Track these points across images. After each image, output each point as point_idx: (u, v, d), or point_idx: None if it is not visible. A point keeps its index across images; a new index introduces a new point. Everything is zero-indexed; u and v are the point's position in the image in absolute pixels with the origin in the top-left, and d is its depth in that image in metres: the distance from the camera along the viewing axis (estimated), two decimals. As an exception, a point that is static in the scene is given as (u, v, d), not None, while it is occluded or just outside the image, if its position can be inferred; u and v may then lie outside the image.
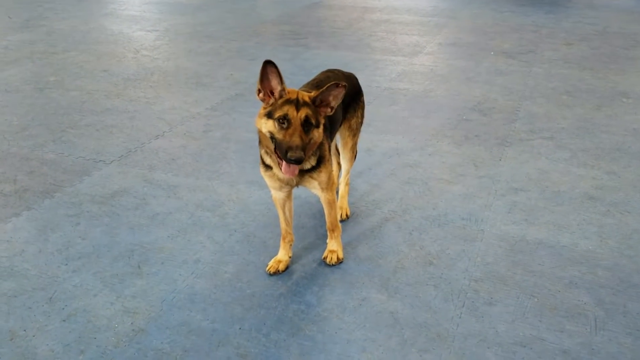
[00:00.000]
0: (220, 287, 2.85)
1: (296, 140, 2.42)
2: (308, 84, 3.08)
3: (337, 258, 3.00)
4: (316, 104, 2.55)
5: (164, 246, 3.18)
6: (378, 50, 7.35)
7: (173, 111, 5.18)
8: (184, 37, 7.94)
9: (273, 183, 2.78)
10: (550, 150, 4.38)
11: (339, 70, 3.31)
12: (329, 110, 2.59)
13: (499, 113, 5.15)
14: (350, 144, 3.32)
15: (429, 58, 7.03)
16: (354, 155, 3.40)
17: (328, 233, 3.04)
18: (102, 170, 4.03)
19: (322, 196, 2.86)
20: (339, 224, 3.04)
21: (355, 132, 3.32)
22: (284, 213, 2.93)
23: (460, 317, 2.62)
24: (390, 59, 6.94)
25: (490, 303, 2.72)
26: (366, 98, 5.35)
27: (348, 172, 3.45)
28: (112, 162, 4.16)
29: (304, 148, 2.44)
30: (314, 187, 2.79)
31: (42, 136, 4.61)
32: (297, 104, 2.48)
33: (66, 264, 3.01)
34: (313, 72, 6.44)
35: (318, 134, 2.56)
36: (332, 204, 2.91)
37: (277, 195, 2.87)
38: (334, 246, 3.03)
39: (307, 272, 2.96)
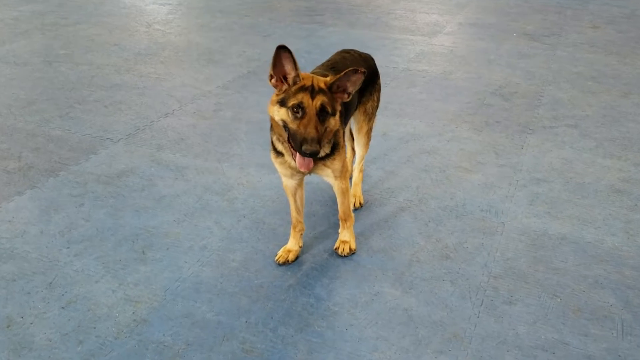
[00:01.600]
0: (227, 277, 2.73)
1: (312, 132, 2.26)
2: (322, 65, 2.91)
3: (350, 249, 2.87)
4: (332, 90, 2.38)
5: (169, 231, 3.06)
6: (396, 29, 7.12)
7: (183, 88, 5.04)
8: (196, 12, 7.75)
9: (284, 170, 2.63)
10: (575, 139, 4.19)
11: (355, 51, 3.13)
12: (346, 96, 2.42)
13: (521, 98, 4.94)
14: (365, 129, 3.16)
15: (449, 38, 6.80)
16: (369, 140, 3.24)
17: (340, 223, 2.90)
18: (108, 149, 3.91)
19: (336, 184, 2.72)
20: (352, 214, 2.90)
21: (370, 117, 3.16)
22: (295, 201, 2.79)
23: (478, 317, 2.49)
24: (409, 39, 6.72)
25: (510, 302, 2.58)
26: (383, 79, 5.18)
27: (362, 159, 3.30)
28: (119, 140, 4.04)
29: (319, 140, 2.28)
30: (327, 175, 2.65)
31: (49, 111, 4.49)
32: (313, 91, 2.31)
33: (68, 247, 2.91)
34: (329, 50, 6.25)
35: (334, 121, 2.40)
36: (345, 192, 2.77)
37: (288, 182, 2.73)
38: (346, 236, 2.89)
39: (317, 263, 2.83)
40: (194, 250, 2.91)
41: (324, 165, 2.57)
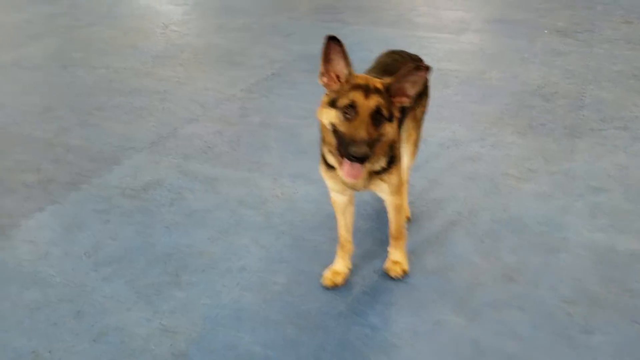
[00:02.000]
0: (270, 302, 2.49)
1: (362, 133, 2.00)
2: (372, 69, 2.66)
3: (402, 271, 2.62)
4: (391, 93, 2.13)
5: (204, 250, 2.83)
6: (421, 27, 6.85)
7: (206, 92, 4.80)
8: (213, 12, 7.52)
9: (335, 185, 2.38)
10: (627, 142, 3.91)
11: (404, 52, 2.89)
12: (406, 100, 2.17)
13: (562, 98, 4.67)
14: (414, 137, 2.91)
15: (477, 36, 6.53)
16: (417, 149, 2.99)
17: (391, 241, 2.65)
18: (132, 159, 3.68)
19: (390, 200, 2.47)
20: (405, 232, 2.65)
21: (420, 124, 2.92)
22: (345, 219, 2.54)
23: (554, 349, 2.23)
24: (436, 37, 6.45)
25: (587, 331, 2.32)
26: (414, 80, 4.91)
27: (409, 169, 3.05)
28: (142, 149, 3.80)
29: (370, 144, 2.02)
30: (382, 191, 2.40)
31: (67, 119, 4.27)
32: (367, 90, 2.06)
33: (95, 270, 2.68)
34: (355, 49, 5.94)
35: (392, 129, 2.14)
36: (399, 209, 2.52)
37: (338, 198, 2.48)
38: (398, 257, 2.64)
39: (367, 286, 2.59)
40: (232, 272, 2.67)
41: (380, 179, 2.32)
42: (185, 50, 5.90)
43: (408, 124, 2.85)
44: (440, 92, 4.84)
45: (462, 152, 3.79)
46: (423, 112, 2.91)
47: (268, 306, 2.47)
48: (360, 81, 2.10)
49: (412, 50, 5.95)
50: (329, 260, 2.71)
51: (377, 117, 2.07)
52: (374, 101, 2.06)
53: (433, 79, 5.04)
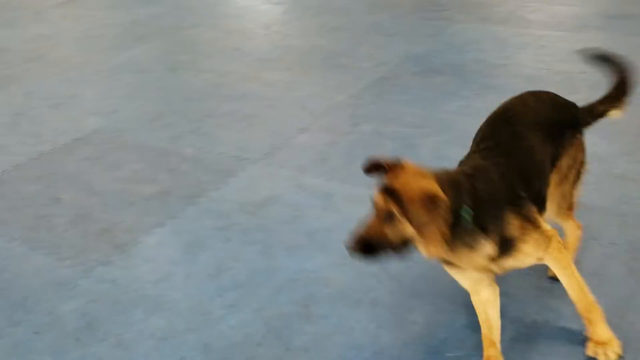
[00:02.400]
0: (411, 345, 2.25)
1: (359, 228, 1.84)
2: (493, 115, 2.33)
3: (616, 355, 2.09)
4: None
5: (330, 277, 2.63)
6: (535, 24, 6.36)
7: (314, 98, 4.62)
8: (312, 11, 7.34)
9: (460, 276, 2.06)
10: None
11: (544, 96, 2.43)
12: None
13: None
14: (557, 193, 2.33)
15: (599, 33, 5.98)
16: (567, 208, 2.41)
17: (583, 320, 2.13)
18: (247, 171, 3.55)
19: (548, 258, 2.02)
20: (594, 301, 2.11)
21: (564, 178, 2.32)
22: (483, 309, 2.10)
23: None
24: (553, 35, 5.96)
25: None
26: (533, 84, 4.44)
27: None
28: (257, 160, 3.67)
29: (370, 242, 1.81)
30: (527, 259, 2.00)
31: (179, 126, 4.21)
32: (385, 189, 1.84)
33: (220, 296, 2.54)
34: (465, 49, 5.63)
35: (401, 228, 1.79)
36: (568, 268, 2.07)
37: (473, 289, 2.09)
38: (601, 334, 2.11)
39: (520, 332, 2.29)
40: (364, 306, 2.46)
41: (516, 249, 1.94)
42: (289, 52, 5.76)
43: (554, 178, 2.30)
44: (568, 97, 4.40)
45: (607, 169, 3.39)
46: (570, 166, 2.31)
47: (409, 350, 2.23)
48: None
49: (529, 50, 5.54)
50: (466, 299, 2.41)
51: (388, 215, 1.80)
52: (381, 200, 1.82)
53: (557, 83, 4.63)
